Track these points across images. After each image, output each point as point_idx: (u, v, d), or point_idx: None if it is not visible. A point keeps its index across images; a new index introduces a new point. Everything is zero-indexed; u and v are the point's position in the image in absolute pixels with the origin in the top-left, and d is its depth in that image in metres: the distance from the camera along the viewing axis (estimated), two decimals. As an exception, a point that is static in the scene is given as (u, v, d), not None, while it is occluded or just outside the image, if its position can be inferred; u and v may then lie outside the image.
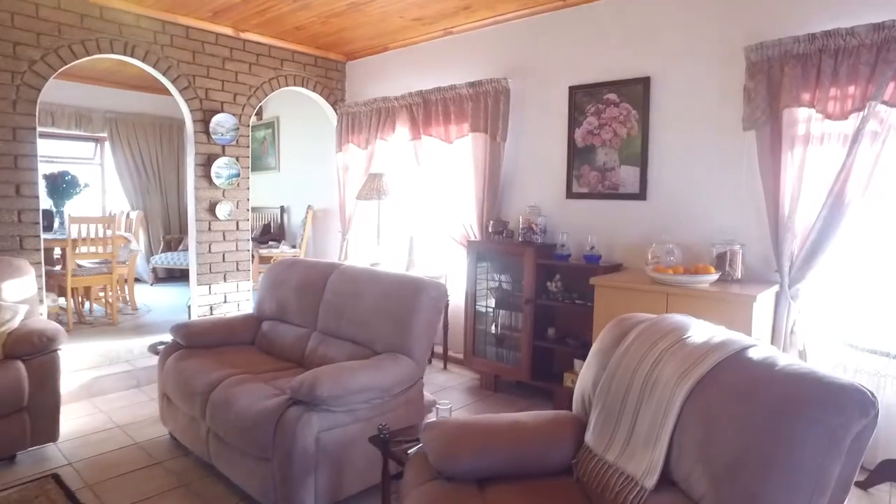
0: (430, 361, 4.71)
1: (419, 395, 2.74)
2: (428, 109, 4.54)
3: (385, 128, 4.91)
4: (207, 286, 4.60)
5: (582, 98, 3.77)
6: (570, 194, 3.88)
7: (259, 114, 6.71)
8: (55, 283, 4.68)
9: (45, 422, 2.94)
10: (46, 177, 4.93)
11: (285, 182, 6.46)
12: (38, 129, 6.23)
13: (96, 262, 5.35)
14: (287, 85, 5.00)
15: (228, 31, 4.50)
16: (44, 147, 6.55)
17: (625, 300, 3.00)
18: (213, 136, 4.52)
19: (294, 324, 3.28)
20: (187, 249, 6.98)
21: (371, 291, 2.89)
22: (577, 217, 3.86)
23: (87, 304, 5.23)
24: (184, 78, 4.33)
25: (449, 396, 3.93)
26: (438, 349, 4.63)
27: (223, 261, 4.68)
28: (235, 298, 4.79)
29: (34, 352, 2.94)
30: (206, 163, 4.51)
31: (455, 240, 4.44)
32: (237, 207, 4.74)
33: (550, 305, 3.71)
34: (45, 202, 5.15)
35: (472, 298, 4.13)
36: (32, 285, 3.47)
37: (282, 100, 6.35)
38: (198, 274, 4.55)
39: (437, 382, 4.22)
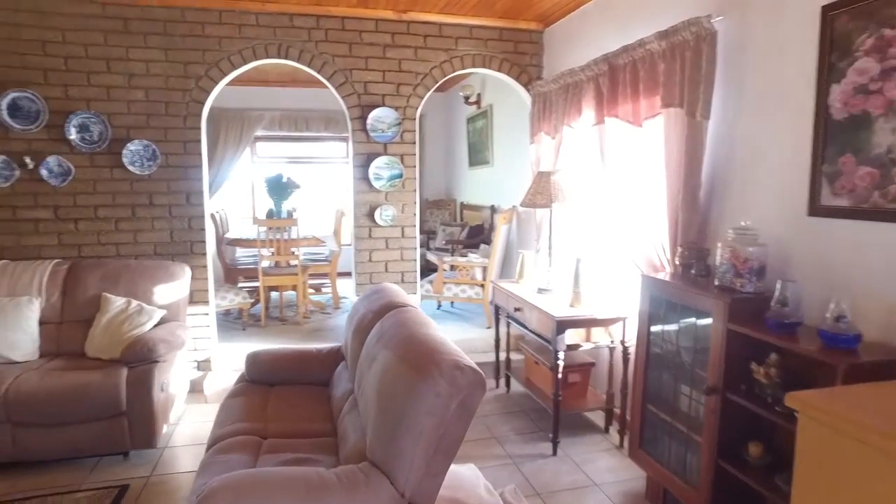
0: (606, 430, 3.42)
1: (416, 541, 1.74)
2: (614, 80, 3.19)
3: (571, 110, 3.71)
4: (368, 297, 4.28)
5: (846, 24, 1.96)
6: (817, 209, 2.11)
7: (478, 102, 6.13)
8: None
9: (141, 429, 2.99)
10: (267, 180, 5.37)
11: (497, 178, 5.75)
12: (295, 133, 7.09)
13: (309, 260, 5.66)
14: (463, 67, 4.25)
15: (389, 14, 3.99)
16: (298, 149, 7.40)
17: (853, 464, 1.34)
18: (372, 134, 4.11)
19: (351, 374, 2.60)
20: (421, 246, 6.98)
21: (380, 360, 1.98)
22: (824, 251, 2.08)
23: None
24: (340, 73, 4.02)
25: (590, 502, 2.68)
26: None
27: (385, 271, 4.29)
28: (401, 311, 4.35)
29: (135, 360, 3.01)
30: (365, 163, 4.14)
31: (640, 268, 3.03)
32: (402, 212, 4.26)
33: (753, 407, 2.09)
34: (267, 202, 5.65)
35: (643, 362, 2.72)
36: (183, 289, 3.65)
37: (495, 86, 5.61)
38: (357, 284, 4.27)
39: (592, 470, 2.97)
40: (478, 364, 4.24)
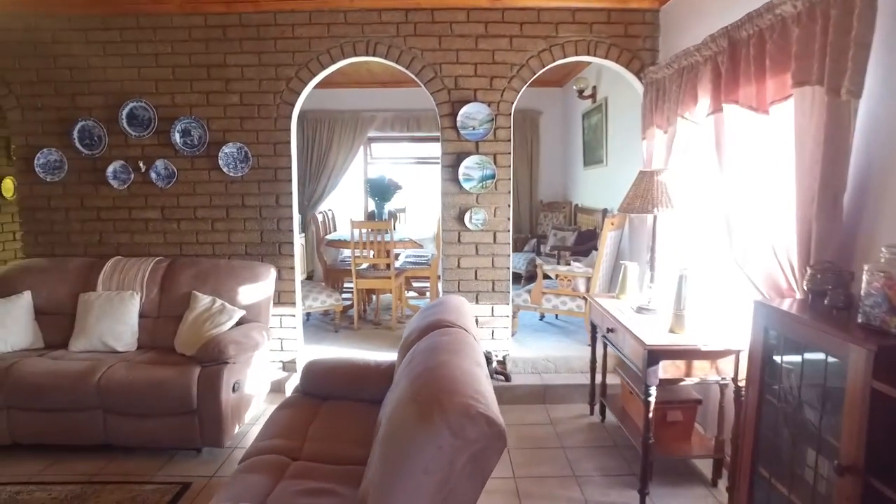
0: (713, 483, 2.82)
1: None
2: (735, 58, 2.59)
3: (685, 98, 3.12)
4: (455, 305, 4.03)
5: None
6: None
7: (593, 96, 5.57)
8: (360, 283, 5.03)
9: (210, 428, 3.02)
10: (369, 181, 5.34)
11: (611, 178, 5.16)
12: (406, 133, 7.05)
13: (411, 263, 5.55)
14: (565, 56, 3.80)
15: (482, 1, 3.68)
16: (411, 150, 7.35)
17: None
18: (462, 132, 3.84)
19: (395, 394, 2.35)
20: (532, 251, 6.61)
21: (397, 392, 1.70)
22: None
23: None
24: (429, 68, 3.79)
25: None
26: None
27: (475, 278, 3.99)
28: (490, 324, 4.03)
29: (207, 360, 3.05)
30: (455, 163, 3.88)
31: (760, 290, 2.41)
32: (494, 216, 3.94)
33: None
34: (370, 204, 5.62)
35: (754, 412, 2.14)
36: (266, 290, 3.68)
37: (611, 77, 5.05)
38: (444, 292, 4.02)
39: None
40: (572, 386, 3.80)
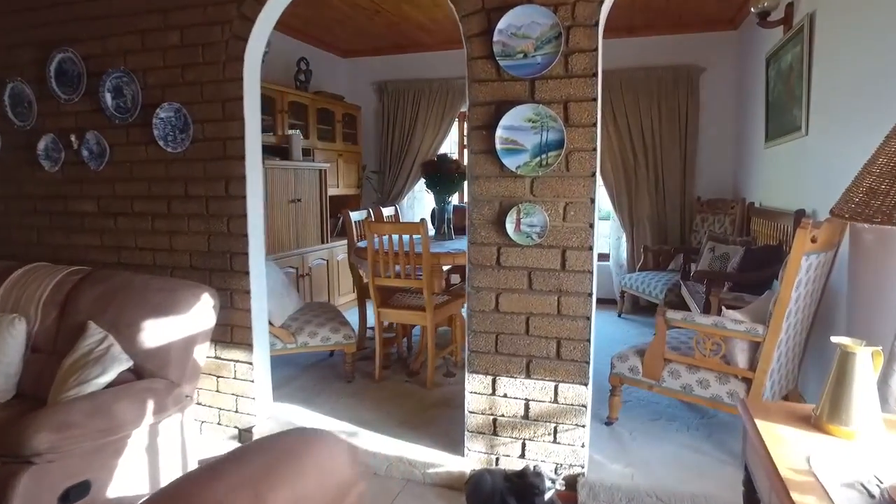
0: None
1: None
2: None
3: None
4: (490, 378, 2.31)
5: None
6: None
7: (786, 20, 3.33)
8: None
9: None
10: (424, 164, 3.79)
11: (815, 157, 2.95)
12: None
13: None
14: None
15: None
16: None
17: None
18: (503, 63, 2.12)
19: None
20: (677, 270, 4.58)
21: None
22: None
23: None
24: (446, -44, 2.16)
25: None
26: None
27: (525, 332, 2.24)
28: (551, 416, 2.26)
29: (4, 453, 1.82)
30: (490, 122, 2.18)
31: None
32: (563, 218, 2.16)
33: None
34: (430, 199, 4.08)
35: None
36: (187, 327, 2.38)
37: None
38: (471, 351, 2.34)
39: None
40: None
